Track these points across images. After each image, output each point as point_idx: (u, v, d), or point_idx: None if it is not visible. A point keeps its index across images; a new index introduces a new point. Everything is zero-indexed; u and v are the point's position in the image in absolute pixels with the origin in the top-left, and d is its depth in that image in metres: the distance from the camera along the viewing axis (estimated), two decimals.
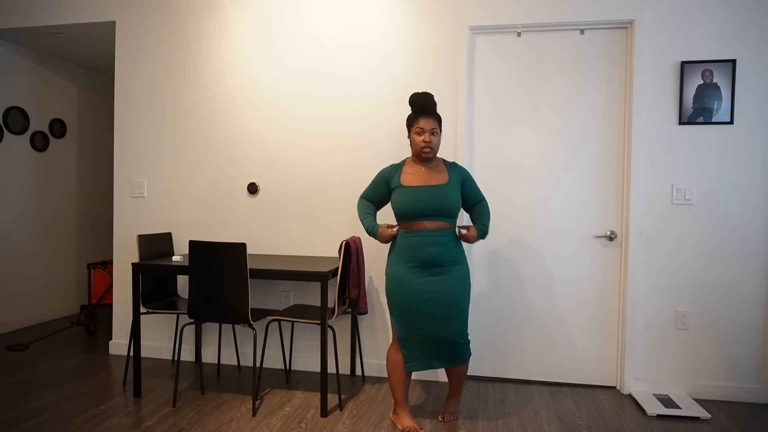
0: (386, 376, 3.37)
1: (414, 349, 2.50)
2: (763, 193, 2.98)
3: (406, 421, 2.56)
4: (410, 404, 2.92)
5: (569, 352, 3.24)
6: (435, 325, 2.47)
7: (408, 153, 3.32)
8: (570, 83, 3.19)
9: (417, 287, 2.47)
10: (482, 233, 2.58)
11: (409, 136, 2.57)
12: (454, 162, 2.68)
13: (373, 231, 2.56)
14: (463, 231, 2.58)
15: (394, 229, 2.55)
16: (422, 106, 2.52)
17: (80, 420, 2.65)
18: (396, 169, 2.61)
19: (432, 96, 2.53)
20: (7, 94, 4.30)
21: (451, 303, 2.48)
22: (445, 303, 2.47)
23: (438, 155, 3.21)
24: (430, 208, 2.45)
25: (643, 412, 2.85)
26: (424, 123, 2.49)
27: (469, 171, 3.29)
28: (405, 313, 2.49)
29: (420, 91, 3.30)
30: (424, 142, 2.48)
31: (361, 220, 2.63)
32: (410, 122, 2.55)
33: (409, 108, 3.30)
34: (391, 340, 2.62)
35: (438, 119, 2.53)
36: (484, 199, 2.67)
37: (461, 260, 2.56)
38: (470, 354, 2.60)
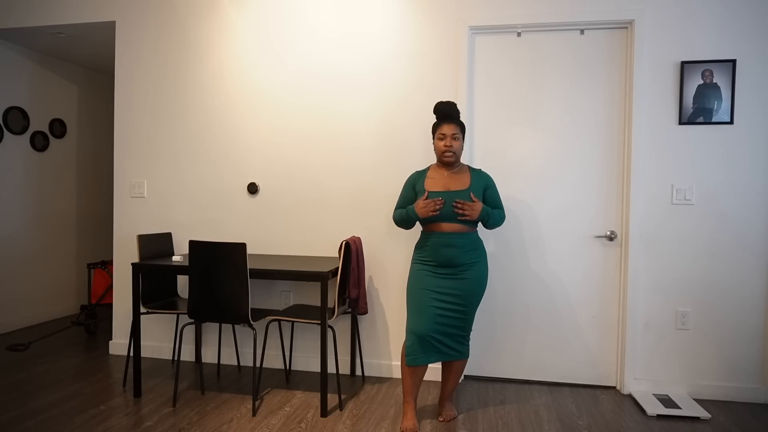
0: (386, 376, 3.37)
1: (416, 344, 2.53)
2: (763, 193, 2.98)
3: (407, 421, 2.57)
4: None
5: (569, 352, 3.24)
6: (442, 321, 2.55)
7: (411, 153, 3.32)
8: (570, 83, 3.19)
9: (432, 284, 2.56)
10: (485, 213, 2.55)
11: (433, 142, 2.67)
12: (480, 169, 2.71)
13: (411, 210, 2.59)
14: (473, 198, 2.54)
15: (425, 198, 2.55)
16: (445, 113, 2.61)
17: (80, 420, 2.65)
18: (421, 174, 2.70)
19: (455, 104, 2.62)
20: (7, 94, 4.30)
21: (461, 304, 2.56)
22: (457, 303, 2.56)
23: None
24: (448, 213, 2.53)
25: (643, 412, 2.85)
26: (446, 129, 2.59)
27: None
28: (418, 306, 2.55)
29: (417, 94, 3.30)
30: (446, 146, 2.59)
31: (404, 216, 2.64)
32: (434, 129, 2.65)
33: (412, 109, 3.32)
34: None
35: (461, 126, 2.61)
36: (502, 209, 2.71)
37: (479, 263, 2.60)
38: (469, 353, 2.64)
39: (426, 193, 2.57)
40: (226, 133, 3.57)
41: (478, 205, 2.52)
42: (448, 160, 2.60)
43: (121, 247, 3.75)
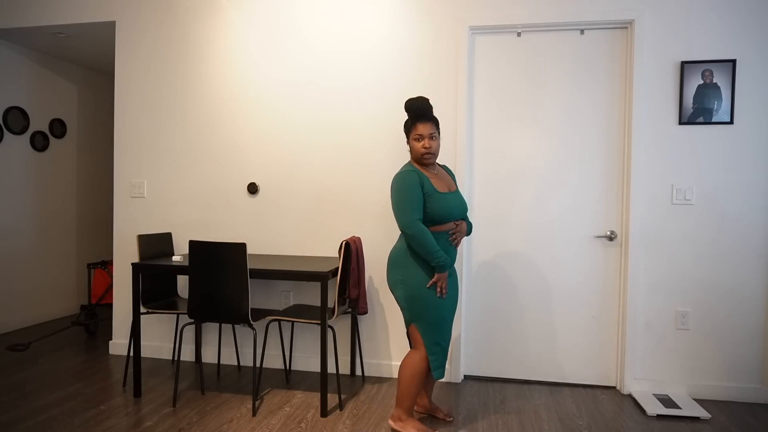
0: (386, 376, 3.37)
1: (441, 355, 2.46)
2: (763, 193, 2.98)
3: (418, 425, 2.48)
4: None
5: (569, 352, 3.24)
6: (451, 327, 2.55)
7: (407, 154, 3.32)
8: (570, 83, 3.19)
9: (453, 291, 2.54)
10: (470, 226, 2.63)
11: (408, 142, 2.51)
12: (445, 165, 2.72)
13: (444, 269, 2.38)
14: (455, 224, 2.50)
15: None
16: (419, 112, 2.44)
17: (80, 420, 2.65)
18: (420, 174, 2.44)
19: (427, 100, 2.46)
20: (7, 94, 4.30)
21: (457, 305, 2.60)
22: (457, 306, 2.57)
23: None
24: (461, 214, 2.51)
25: (643, 412, 2.85)
26: (423, 129, 2.42)
27: (470, 172, 3.32)
28: (441, 318, 2.44)
29: (417, 93, 3.29)
30: (424, 148, 2.42)
31: (433, 254, 2.34)
32: (408, 128, 2.48)
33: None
34: (410, 347, 2.49)
35: (436, 123, 2.46)
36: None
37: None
38: None
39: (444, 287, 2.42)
40: (226, 132, 3.57)
41: (463, 226, 2.51)
42: (428, 161, 2.44)
43: (121, 247, 3.75)
